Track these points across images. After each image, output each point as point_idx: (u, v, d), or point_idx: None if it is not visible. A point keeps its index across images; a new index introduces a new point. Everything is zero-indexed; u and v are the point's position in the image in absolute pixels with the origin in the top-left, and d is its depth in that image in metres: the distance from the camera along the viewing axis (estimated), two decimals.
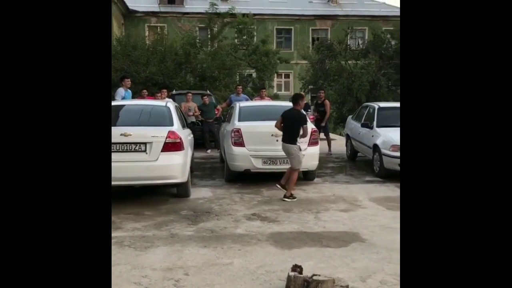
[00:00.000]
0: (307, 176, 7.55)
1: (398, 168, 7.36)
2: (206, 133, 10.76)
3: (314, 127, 7.62)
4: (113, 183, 4.30)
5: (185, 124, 7.51)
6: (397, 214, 5.54)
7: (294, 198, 6.31)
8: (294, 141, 6.35)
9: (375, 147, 8.09)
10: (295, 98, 6.64)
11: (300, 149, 6.41)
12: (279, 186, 6.42)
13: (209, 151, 10.61)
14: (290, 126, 6.36)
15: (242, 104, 8.37)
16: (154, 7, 29.15)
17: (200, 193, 6.59)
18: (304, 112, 6.80)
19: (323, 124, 10.42)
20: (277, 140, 6.87)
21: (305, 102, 8.34)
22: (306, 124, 6.38)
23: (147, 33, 24.50)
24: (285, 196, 6.30)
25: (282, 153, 6.80)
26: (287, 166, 6.95)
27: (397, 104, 9.85)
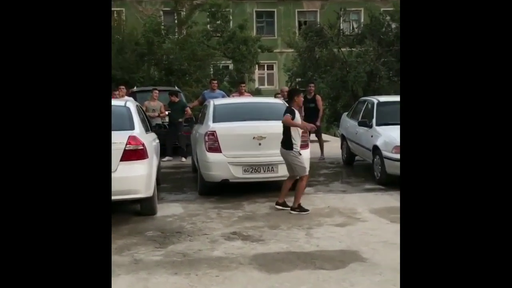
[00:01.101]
0: (296, 186, 7.56)
1: None
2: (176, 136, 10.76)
3: None
4: None
5: (148, 127, 7.47)
6: None
7: (306, 210, 6.28)
8: (289, 146, 6.28)
9: (375, 149, 8.18)
10: (288, 95, 6.82)
11: (300, 154, 6.35)
12: (278, 207, 6.42)
13: (183, 159, 10.60)
14: (282, 127, 6.37)
15: (217, 101, 8.37)
16: None
17: (169, 210, 6.57)
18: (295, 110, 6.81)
19: (318, 123, 10.42)
20: (259, 144, 6.89)
21: None
22: (285, 114, 6.25)
23: None
24: (292, 208, 6.32)
25: (266, 159, 6.82)
26: (273, 175, 6.98)
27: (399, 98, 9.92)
